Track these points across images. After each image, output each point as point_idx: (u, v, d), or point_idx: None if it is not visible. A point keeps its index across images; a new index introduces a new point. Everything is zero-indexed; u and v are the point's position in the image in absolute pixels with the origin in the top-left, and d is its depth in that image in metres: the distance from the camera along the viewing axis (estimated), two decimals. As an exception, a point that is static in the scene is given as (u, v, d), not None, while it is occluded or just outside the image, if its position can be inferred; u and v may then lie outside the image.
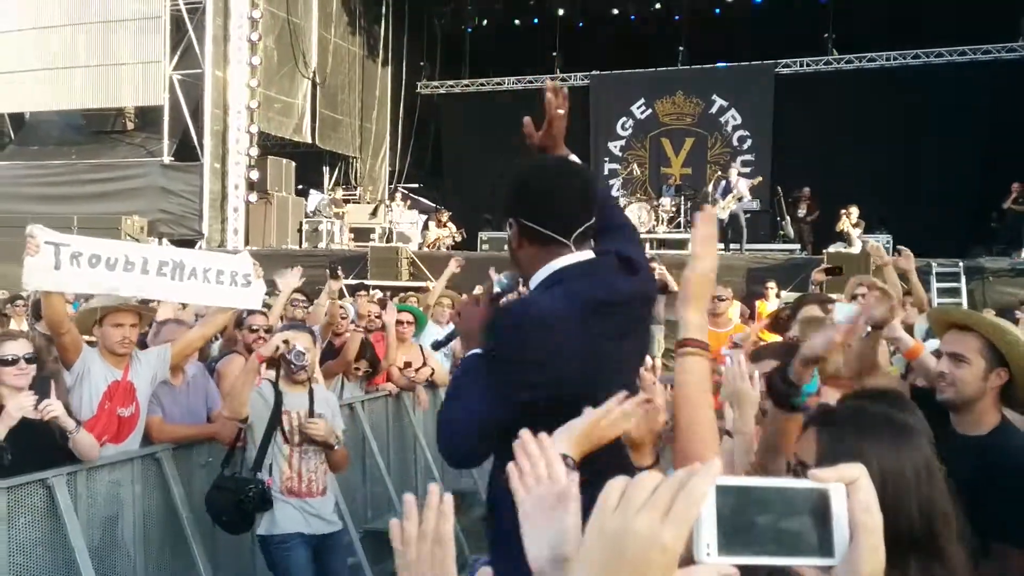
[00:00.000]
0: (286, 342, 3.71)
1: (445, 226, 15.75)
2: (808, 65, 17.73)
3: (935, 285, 10.96)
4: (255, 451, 3.74)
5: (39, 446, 3.38)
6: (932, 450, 1.38)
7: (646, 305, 2.02)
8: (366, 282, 12.60)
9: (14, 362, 3.35)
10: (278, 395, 3.77)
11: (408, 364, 5.99)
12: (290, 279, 5.35)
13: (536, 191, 1.83)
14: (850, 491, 0.76)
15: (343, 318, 6.20)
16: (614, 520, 0.71)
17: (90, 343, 4.00)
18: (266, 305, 5.57)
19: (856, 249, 12.50)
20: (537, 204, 1.81)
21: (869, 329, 2.93)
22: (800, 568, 0.78)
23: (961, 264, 11.66)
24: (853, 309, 2.97)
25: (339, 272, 6.02)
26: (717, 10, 18.54)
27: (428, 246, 15.67)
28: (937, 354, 2.68)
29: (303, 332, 3.90)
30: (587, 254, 1.83)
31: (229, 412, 3.81)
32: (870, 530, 0.76)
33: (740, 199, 13.78)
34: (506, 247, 1.94)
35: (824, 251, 12.37)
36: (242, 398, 3.73)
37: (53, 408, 3.27)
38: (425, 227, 16.23)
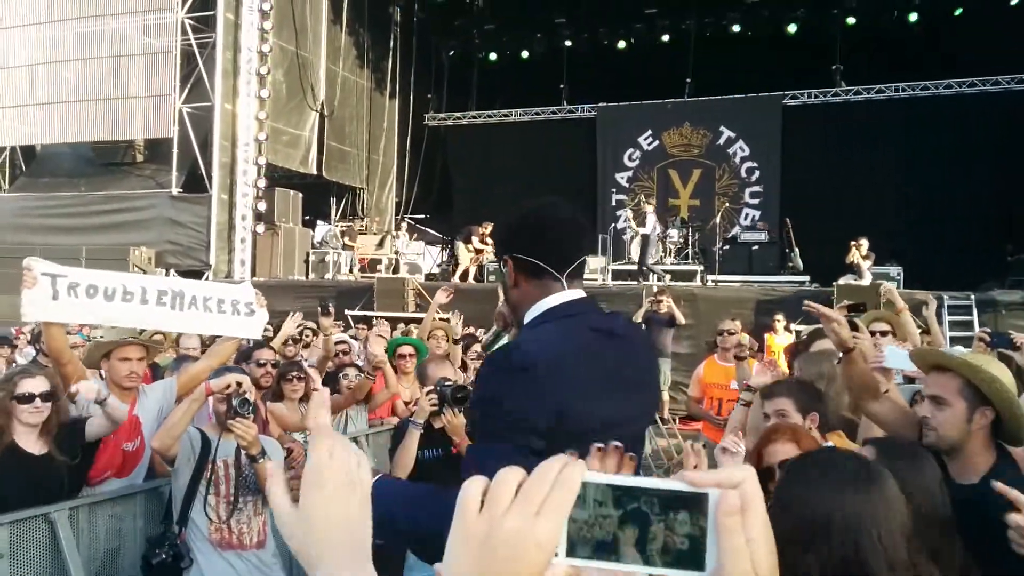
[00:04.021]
0: (239, 384, 3.44)
1: (486, 241, 15.13)
2: (816, 96, 17.81)
3: (947, 318, 10.84)
4: (179, 500, 3.46)
5: (41, 482, 3.33)
6: (890, 501, 1.35)
7: (637, 341, 2.01)
8: (371, 314, 12.60)
9: (30, 399, 3.32)
10: (205, 441, 3.49)
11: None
12: (287, 326, 5.35)
13: (533, 226, 1.87)
14: (723, 493, 0.68)
15: (344, 353, 6.22)
16: (479, 524, 0.66)
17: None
18: (265, 339, 5.56)
19: (866, 281, 12.41)
20: (534, 239, 1.84)
21: (840, 355, 2.89)
22: None
23: (973, 297, 11.54)
24: (903, 354, 2.92)
25: (330, 309, 6.13)
26: (723, 43, 18.69)
27: (472, 261, 15.43)
28: (920, 396, 2.60)
29: (250, 384, 3.63)
30: (578, 292, 1.85)
31: (158, 444, 3.42)
32: (731, 532, 0.67)
33: (642, 226, 14.10)
34: (499, 288, 1.98)
35: (834, 283, 12.29)
36: (176, 431, 3.39)
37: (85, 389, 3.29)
38: (467, 240, 15.79)
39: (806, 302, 3.14)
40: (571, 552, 0.67)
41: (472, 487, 0.68)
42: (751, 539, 0.68)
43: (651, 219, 14.15)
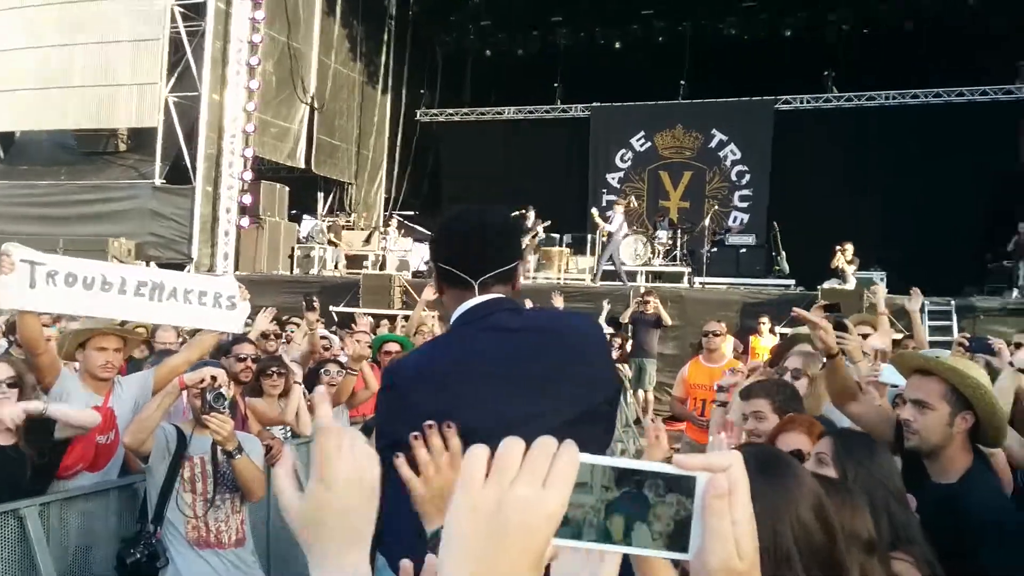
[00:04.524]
0: (214, 378, 3.34)
1: None
2: (808, 102, 17.88)
3: (927, 323, 10.93)
4: (155, 498, 3.38)
5: (5, 474, 3.26)
6: (789, 490, 1.31)
7: (556, 335, 1.92)
8: (356, 310, 12.49)
9: None
10: (181, 437, 3.40)
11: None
12: (260, 321, 5.43)
13: (446, 237, 1.95)
14: (712, 477, 0.70)
15: (325, 349, 6.18)
16: (487, 493, 0.66)
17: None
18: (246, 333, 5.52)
19: (851, 286, 12.47)
20: (447, 249, 1.92)
21: (824, 359, 2.97)
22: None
23: (953, 303, 11.68)
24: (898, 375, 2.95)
25: (314, 304, 6.09)
26: (718, 46, 18.71)
27: None
28: (901, 399, 2.63)
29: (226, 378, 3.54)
30: (490, 296, 1.86)
31: (130, 439, 3.34)
32: (718, 515, 0.70)
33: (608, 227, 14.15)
34: None
35: (818, 287, 12.34)
36: (149, 425, 3.31)
37: (25, 408, 3.17)
38: None
39: (794, 308, 3.19)
40: (577, 535, 0.68)
41: (477, 455, 0.67)
42: (736, 521, 0.70)
43: (618, 219, 14.20)
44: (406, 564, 1.06)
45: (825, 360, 2.93)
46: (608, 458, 0.69)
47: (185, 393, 3.46)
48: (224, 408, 3.31)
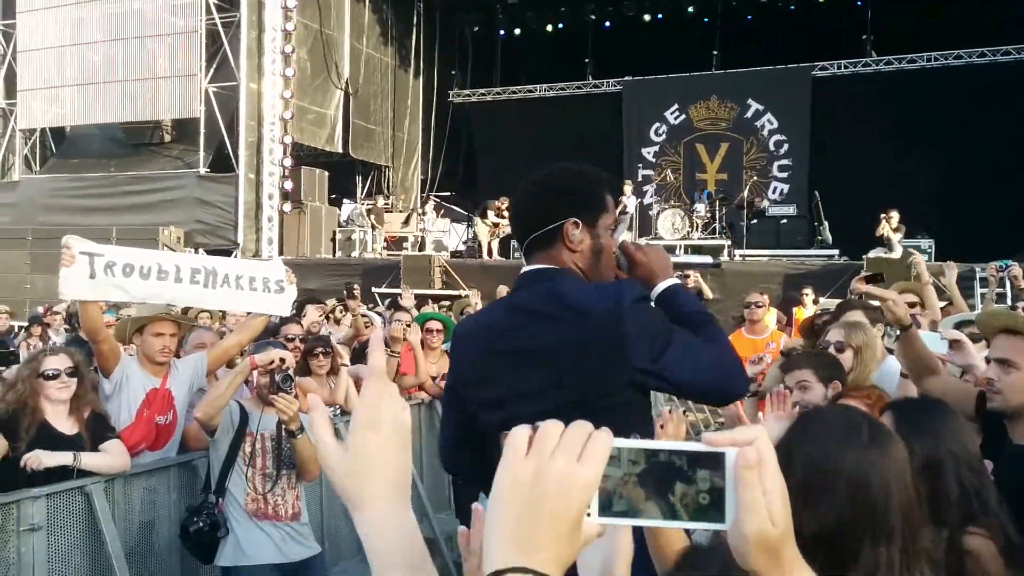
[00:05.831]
0: (283, 360, 3.52)
1: (502, 215, 14.87)
2: (846, 67, 17.45)
3: (978, 290, 10.67)
4: (217, 471, 3.54)
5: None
6: (894, 459, 1.33)
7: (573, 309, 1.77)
8: (397, 291, 12.64)
9: (56, 376, 3.40)
10: (243, 414, 3.56)
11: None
12: (312, 315, 5.80)
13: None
14: (740, 450, 0.75)
15: (367, 326, 6.40)
16: (528, 465, 0.72)
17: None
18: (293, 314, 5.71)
19: (897, 254, 12.23)
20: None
21: (898, 332, 2.86)
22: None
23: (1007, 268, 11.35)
24: (932, 336, 2.87)
25: (355, 291, 6.29)
26: (751, 14, 18.34)
27: (490, 235, 15.36)
28: (986, 360, 2.53)
29: (292, 361, 3.71)
30: (529, 267, 1.84)
31: (202, 415, 3.51)
32: (749, 486, 0.74)
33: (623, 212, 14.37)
34: None
35: (864, 256, 12.12)
36: (220, 403, 3.49)
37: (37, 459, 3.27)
38: (483, 215, 15.53)
39: (854, 284, 3.09)
40: (606, 508, 0.73)
41: (519, 433, 0.73)
42: (767, 491, 0.75)
43: (627, 200, 14.29)
44: (477, 507, 1.08)
45: (899, 333, 2.83)
46: (641, 441, 0.75)
47: (254, 373, 3.62)
48: (291, 389, 3.46)
